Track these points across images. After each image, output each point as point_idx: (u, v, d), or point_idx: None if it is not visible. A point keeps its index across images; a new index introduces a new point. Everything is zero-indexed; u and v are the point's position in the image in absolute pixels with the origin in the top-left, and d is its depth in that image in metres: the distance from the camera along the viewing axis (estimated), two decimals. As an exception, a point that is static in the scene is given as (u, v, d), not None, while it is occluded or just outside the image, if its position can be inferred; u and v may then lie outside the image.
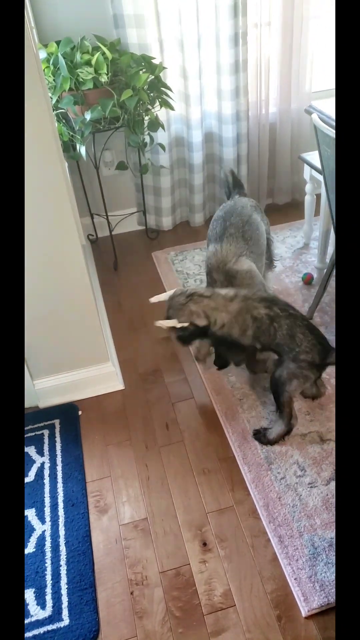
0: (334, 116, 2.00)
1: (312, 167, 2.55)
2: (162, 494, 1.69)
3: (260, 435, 1.79)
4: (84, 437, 1.91)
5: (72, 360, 1.99)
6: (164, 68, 2.57)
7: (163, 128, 2.64)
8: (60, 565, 1.50)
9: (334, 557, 1.44)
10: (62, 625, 1.36)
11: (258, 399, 1.96)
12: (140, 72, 2.38)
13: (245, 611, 1.36)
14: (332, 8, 2.88)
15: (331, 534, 1.50)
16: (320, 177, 2.34)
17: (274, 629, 1.32)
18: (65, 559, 1.51)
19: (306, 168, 2.64)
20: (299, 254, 2.77)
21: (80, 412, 2.00)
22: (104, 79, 2.35)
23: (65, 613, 1.38)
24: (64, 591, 1.43)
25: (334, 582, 1.39)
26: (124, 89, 2.33)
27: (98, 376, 2.05)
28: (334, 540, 1.48)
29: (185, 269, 2.77)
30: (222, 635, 1.32)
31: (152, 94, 2.48)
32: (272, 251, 2.34)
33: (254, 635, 1.32)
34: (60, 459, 1.82)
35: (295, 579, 1.40)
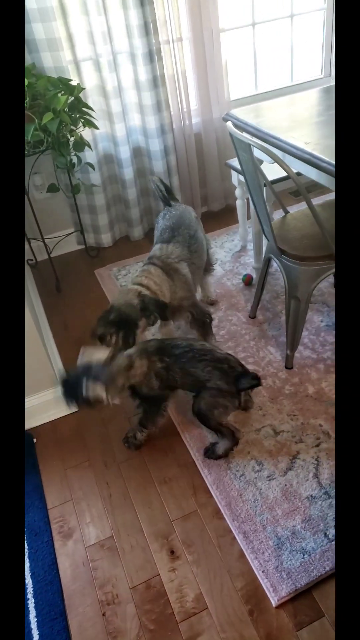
0: (250, 121, 2.08)
1: (238, 172, 2.63)
2: (125, 509, 1.68)
3: (210, 453, 1.79)
4: (41, 464, 1.88)
5: (20, 388, 1.96)
6: (83, 89, 2.60)
7: (90, 147, 2.66)
8: (28, 599, 1.46)
9: (298, 544, 1.47)
10: (34, 659, 1.32)
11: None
12: (59, 95, 2.39)
13: (218, 612, 1.37)
14: (238, 20, 3.00)
15: (293, 522, 1.54)
16: (246, 181, 2.42)
17: (247, 624, 1.34)
18: (32, 592, 1.47)
19: (234, 174, 2.72)
20: (237, 257, 2.84)
21: (35, 440, 1.97)
22: (23, 104, 2.35)
23: (37, 645, 1.35)
24: (33, 625, 1.40)
25: (299, 568, 1.42)
26: (44, 113, 2.34)
27: (49, 401, 2.03)
28: (296, 528, 1.52)
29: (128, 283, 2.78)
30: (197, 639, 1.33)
31: (73, 115, 2.50)
32: (209, 255, 2.40)
33: (228, 634, 1.33)
34: (19, 489, 1.78)
35: (262, 572, 1.43)
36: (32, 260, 3.07)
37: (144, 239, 3.18)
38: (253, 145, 1.68)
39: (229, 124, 1.85)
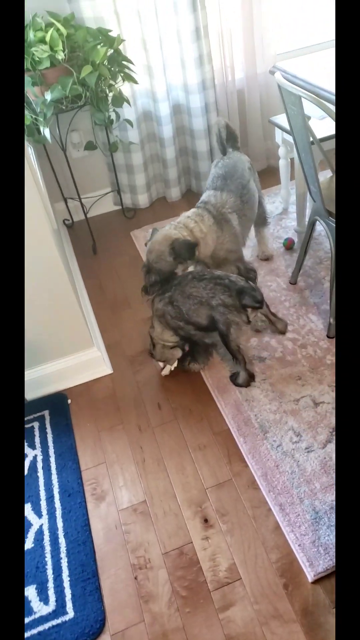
0: (298, 74, 1.93)
1: (283, 129, 2.48)
2: (159, 474, 1.66)
3: (233, 378, 1.89)
4: (75, 426, 1.87)
5: (55, 349, 1.95)
6: (123, 40, 2.48)
7: (128, 103, 2.55)
8: (61, 558, 1.47)
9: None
10: (67, 619, 1.33)
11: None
12: (98, 47, 2.28)
13: (252, 583, 1.35)
14: None
15: (331, 496, 1.48)
16: (292, 140, 2.28)
17: (282, 597, 1.31)
18: (65, 551, 1.48)
19: (277, 132, 2.57)
20: (278, 220, 2.72)
21: (69, 401, 1.96)
22: (60, 56, 2.25)
23: (69, 606, 1.36)
24: (66, 584, 1.41)
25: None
26: (82, 66, 2.24)
27: (84, 362, 2.01)
28: (334, 502, 1.46)
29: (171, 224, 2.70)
30: (230, 609, 1.30)
31: (112, 69, 2.38)
32: (264, 208, 2.34)
33: (262, 606, 1.30)
34: (53, 450, 1.78)
35: (299, 545, 1.38)
36: (69, 220, 3.02)
37: (181, 200, 3.08)
38: (304, 98, 1.55)
39: (278, 75, 1.72)
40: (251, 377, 1.87)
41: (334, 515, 1.43)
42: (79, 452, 1.78)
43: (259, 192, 2.24)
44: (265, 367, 1.93)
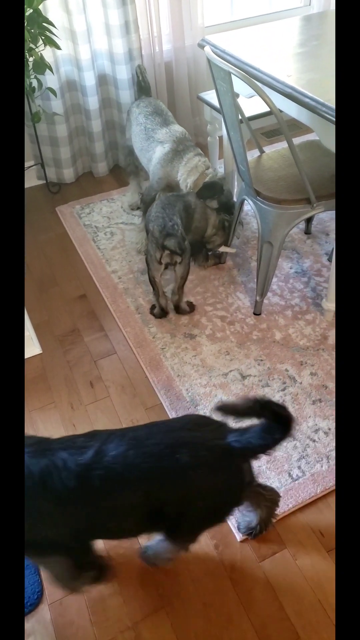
0: (228, 49, 1.94)
1: (212, 106, 2.50)
2: (92, 451, 1.67)
3: (150, 310, 2.11)
4: (4, 407, 1.83)
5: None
6: (43, 0, 2.35)
7: (51, 70, 2.45)
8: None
9: (263, 483, 1.51)
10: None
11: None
12: (18, 7, 2.15)
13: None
14: None
15: (258, 462, 1.57)
16: (221, 118, 2.30)
17: (212, 557, 1.38)
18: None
19: (206, 108, 2.59)
20: (206, 198, 2.75)
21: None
22: (-24, 15, 2.10)
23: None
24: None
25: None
26: None
27: (12, 342, 1.95)
28: (261, 468, 1.56)
29: (93, 222, 2.66)
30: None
31: (32, 30, 2.27)
32: None
33: (194, 566, 1.37)
34: (-19, 432, 1.73)
35: (229, 511, 1.46)
36: (-11, 193, 2.87)
37: (108, 175, 3.03)
38: (234, 74, 1.56)
39: (207, 49, 1.72)
40: (163, 312, 2.08)
41: (261, 480, 1.52)
42: (9, 433, 1.74)
43: None
44: (196, 343, 1.98)
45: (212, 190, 2.10)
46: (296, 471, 1.55)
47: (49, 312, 2.20)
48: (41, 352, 2.02)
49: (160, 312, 2.08)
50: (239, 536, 1.42)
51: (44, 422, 1.77)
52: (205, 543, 1.41)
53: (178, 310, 2.09)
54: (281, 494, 1.47)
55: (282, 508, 1.46)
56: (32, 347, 2.01)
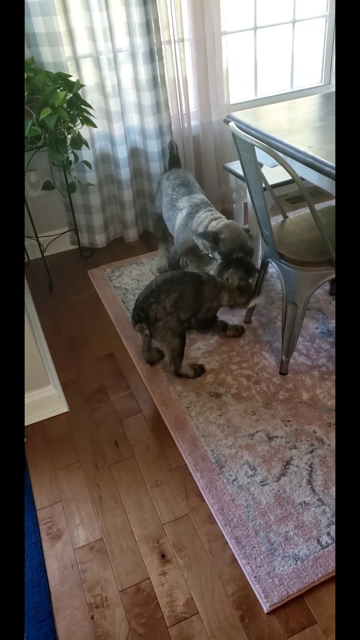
0: (251, 124, 2.08)
1: (237, 175, 2.63)
2: (116, 511, 1.65)
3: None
4: (30, 465, 1.84)
5: (11, 386, 1.92)
6: (82, 85, 2.58)
7: (87, 145, 2.64)
8: (14, 600, 1.42)
9: (290, 550, 1.46)
10: (20, 663, 1.29)
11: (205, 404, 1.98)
12: (58, 90, 2.37)
13: (209, 617, 1.35)
14: (240, 24, 3.01)
15: (285, 528, 1.52)
16: (245, 186, 2.41)
17: (238, 629, 1.32)
18: (19, 593, 1.44)
19: (232, 177, 2.72)
20: (232, 260, 2.83)
21: (24, 440, 1.93)
22: (21, 99, 2.32)
23: (23, 649, 1.31)
24: (20, 627, 1.36)
25: (292, 574, 1.40)
26: (42, 108, 2.32)
27: (40, 401, 1.99)
28: (289, 534, 1.50)
29: (123, 285, 2.76)
30: (187, 646, 1.30)
31: (72, 112, 2.48)
32: None
33: (219, 639, 1.30)
34: (7, 489, 1.74)
35: (254, 577, 1.41)
36: (25, 258, 3.03)
37: (138, 240, 3.16)
38: (257, 147, 1.67)
39: (232, 124, 1.85)
40: (149, 363, 2.20)
41: (288, 547, 1.47)
42: (34, 491, 1.74)
43: None
44: (221, 402, 1.98)
45: (206, 238, 2.18)
46: (325, 538, 1.49)
47: (77, 370, 2.25)
48: (68, 410, 2.05)
49: (146, 361, 2.20)
50: (265, 607, 1.35)
51: (67, 481, 1.77)
52: (230, 614, 1.35)
53: (179, 377, 2.12)
54: (310, 562, 1.42)
55: (311, 578, 1.40)
56: (59, 405, 2.04)
